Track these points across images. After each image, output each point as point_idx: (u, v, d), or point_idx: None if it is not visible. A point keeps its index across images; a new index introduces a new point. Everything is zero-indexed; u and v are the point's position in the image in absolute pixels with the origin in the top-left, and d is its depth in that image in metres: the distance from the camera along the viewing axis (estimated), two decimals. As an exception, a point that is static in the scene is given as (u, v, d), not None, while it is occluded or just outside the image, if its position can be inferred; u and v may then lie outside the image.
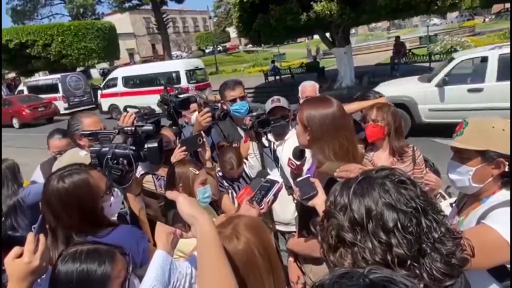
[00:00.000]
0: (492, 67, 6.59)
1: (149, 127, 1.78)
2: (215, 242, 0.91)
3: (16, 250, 1.08)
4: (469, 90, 6.70)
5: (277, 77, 18.97)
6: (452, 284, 0.76)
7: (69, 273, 1.09)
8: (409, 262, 0.76)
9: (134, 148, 1.71)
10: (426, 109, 7.04)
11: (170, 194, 1.04)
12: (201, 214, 0.96)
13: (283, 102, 2.62)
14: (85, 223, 1.39)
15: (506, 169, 1.29)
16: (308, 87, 3.14)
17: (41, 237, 1.14)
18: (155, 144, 1.74)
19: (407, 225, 0.77)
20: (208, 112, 2.29)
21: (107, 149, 1.68)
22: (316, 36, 22.97)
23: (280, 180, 1.66)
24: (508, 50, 6.45)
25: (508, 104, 5.27)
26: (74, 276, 1.08)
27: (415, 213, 0.79)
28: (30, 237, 1.11)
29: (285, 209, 2.36)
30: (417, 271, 0.75)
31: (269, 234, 1.20)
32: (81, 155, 1.76)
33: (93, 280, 1.08)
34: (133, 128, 1.73)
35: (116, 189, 1.56)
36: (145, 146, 1.73)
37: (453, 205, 1.67)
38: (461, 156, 1.37)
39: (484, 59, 6.82)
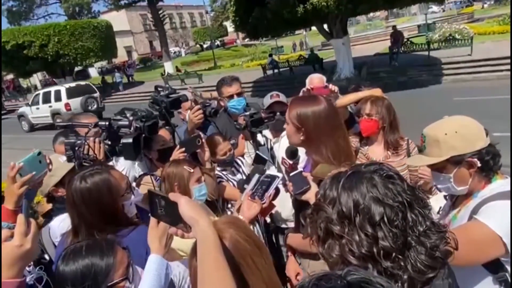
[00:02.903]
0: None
1: (124, 121, 1.78)
2: (215, 245, 0.92)
3: (5, 232, 1.02)
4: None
5: (276, 71, 18.90)
6: (435, 275, 0.79)
7: (73, 270, 1.11)
8: (394, 254, 0.78)
9: (109, 142, 1.72)
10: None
11: (173, 196, 1.04)
12: (202, 216, 0.96)
13: (282, 97, 2.62)
14: (106, 221, 1.44)
15: (479, 164, 1.30)
16: (316, 79, 3.12)
17: (32, 220, 1.08)
18: (130, 140, 1.73)
19: (393, 219, 0.79)
20: (199, 110, 2.32)
21: (80, 141, 1.68)
22: (314, 28, 22.81)
23: (281, 175, 1.67)
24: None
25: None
26: (79, 271, 1.10)
27: (401, 207, 0.81)
28: (21, 218, 1.04)
29: (283, 206, 2.37)
30: (402, 263, 0.78)
31: (246, 223, 1.25)
32: (61, 161, 1.77)
33: (98, 272, 1.11)
34: (107, 123, 1.73)
35: (136, 188, 1.58)
36: (121, 141, 1.73)
37: (447, 197, 1.69)
38: (436, 166, 1.39)
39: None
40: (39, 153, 1.55)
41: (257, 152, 2.33)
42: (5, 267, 0.98)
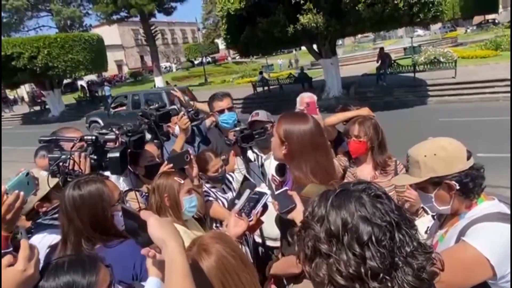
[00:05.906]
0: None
1: (111, 136, 1.77)
2: (183, 269, 0.88)
3: (8, 258, 1.01)
4: None
5: (266, 88, 19.10)
6: None
7: (53, 286, 1.06)
8: (381, 275, 0.77)
9: (95, 157, 1.70)
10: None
11: (143, 214, 1.01)
12: (171, 238, 0.93)
13: (262, 115, 2.64)
14: (95, 229, 1.44)
15: (457, 187, 1.31)
16: (306, 98, 3.17)
17: (33, 245, 1.08)
18: (117, 154, 1.71)
19: (381, 239, 0.78)
20: (184, 115, 2.40)
21: (65, 156, 1.66)
22: (303, 47, 23.28)
23: (269, 192, 1.67)
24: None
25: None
26: None
27: (389, 227, 0.80)
28: (24, 243, 1.04)
29: (272, 224, 2.36)
30: (389, 284, 0.77)
31: (232, 238, 1.26)
32: (43, 175, 1.73)
33: None
34: (93, 137, 1.72)
35: (128, 201, 1.57)
36: (107, 155, 1.72)
37: (435, 217, 1.70)
38: (419, 186, 1.42)
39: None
40: (27, 174, 1.50)
41: (246, 175, 2.34)
42: None
